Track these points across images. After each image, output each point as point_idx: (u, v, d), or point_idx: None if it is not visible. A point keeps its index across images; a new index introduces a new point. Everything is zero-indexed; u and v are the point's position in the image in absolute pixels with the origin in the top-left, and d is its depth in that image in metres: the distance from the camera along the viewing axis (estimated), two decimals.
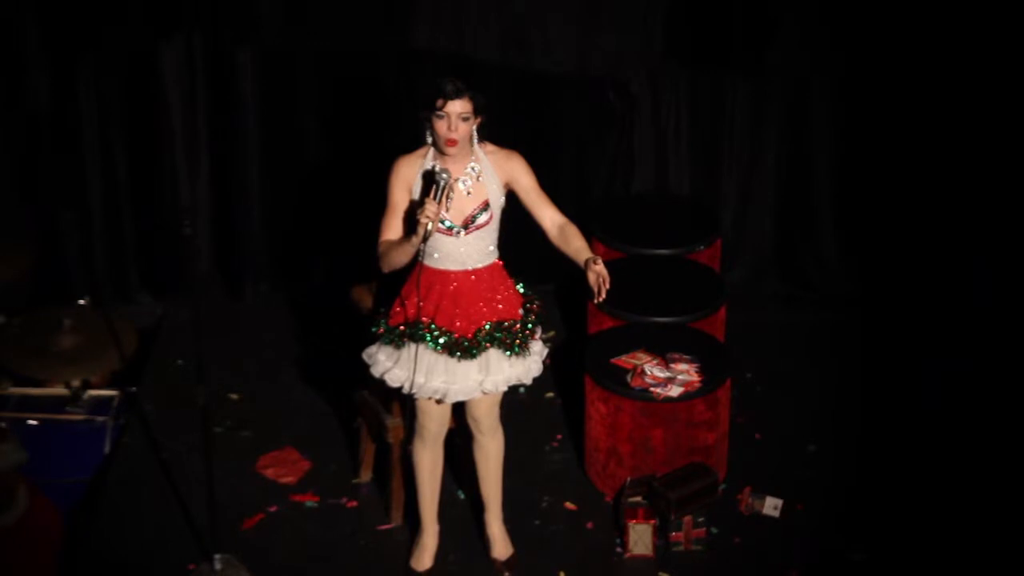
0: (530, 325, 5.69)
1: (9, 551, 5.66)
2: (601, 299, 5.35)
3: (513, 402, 6.32)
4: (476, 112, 5.45)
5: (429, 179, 5.46)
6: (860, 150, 7.58)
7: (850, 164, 7.63)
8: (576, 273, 5.52)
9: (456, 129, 5.42)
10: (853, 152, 7.60)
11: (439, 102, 5.39)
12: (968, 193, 7.40)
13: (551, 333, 7.22)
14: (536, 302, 5.74)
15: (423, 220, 5.33)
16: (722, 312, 6.93)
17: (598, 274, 5.34)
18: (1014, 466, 6.46)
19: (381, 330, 5.67)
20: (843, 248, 7.77)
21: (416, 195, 5.52)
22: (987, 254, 7.37)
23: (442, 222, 5.47)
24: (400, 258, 5.48)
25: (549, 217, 5.60)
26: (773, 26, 7.40)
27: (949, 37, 7.22)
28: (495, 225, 5.60)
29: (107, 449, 6.70)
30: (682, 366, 6.35)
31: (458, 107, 5.40)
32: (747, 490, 6.38)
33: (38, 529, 5.81)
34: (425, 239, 5.37)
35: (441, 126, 5.42)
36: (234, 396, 7.05)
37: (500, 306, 5.62)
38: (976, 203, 7.39)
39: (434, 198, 5.37)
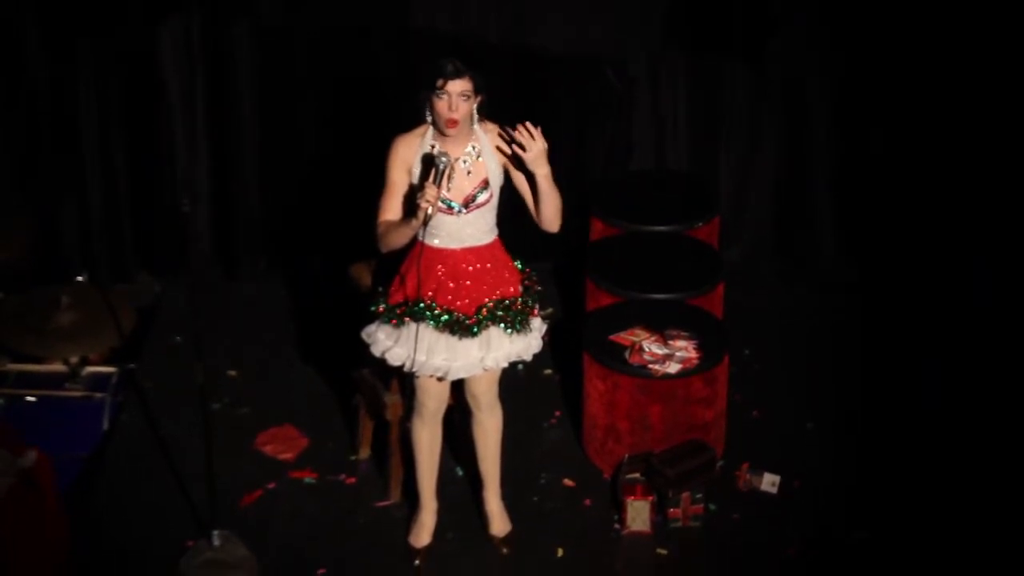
0: (530, 302, 5.69)
1: None
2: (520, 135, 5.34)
3: (512, 379, 6.32)
4: (476, 91, 5.42)
5: (428, 162, 5.43)
6: (859, 142, 7.55)
7: (849, 154, 7.60)
8: (574, 249, 5.50)
9: (457, 109, 5.39)
10: (852, 143, 7.57)
11: (439, 82, 5.36)
12: (968, 193, 7.39)
13: (549, 310, 7.21)
14: (534, 278, 5.74)
15: (423, 204, 5.32)
16: (720, 289, 6.93)
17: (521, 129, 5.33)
18: (1013, 454, 6.45)
19: (381, 309, 5.66)
20: (843, 247, 7.75)
21: (415, 176, 5.50)
22: (987, 254, 7.35)
23: (442, 201, 5.45)
24: (399, 240, 5.47)
25: None
26: (774, 12, 7.38)
27: (949, 37, 7.21)
28: (495, 203, 5.58)
29: (105, 426, 6.72)
30: (680, 343, 6.35)
31: (459, 87, 5.37)
32: (745, 466, 6.39)
33: (34, 536, 5.75)
34: (425, 223, 5.36)
35: (442, 106, 5.40)
36: (232, 373, 7.05)
37: (500, 284, 5.62)
38: (976, 203, 7.38)
39: (434, 181, 5.35)
